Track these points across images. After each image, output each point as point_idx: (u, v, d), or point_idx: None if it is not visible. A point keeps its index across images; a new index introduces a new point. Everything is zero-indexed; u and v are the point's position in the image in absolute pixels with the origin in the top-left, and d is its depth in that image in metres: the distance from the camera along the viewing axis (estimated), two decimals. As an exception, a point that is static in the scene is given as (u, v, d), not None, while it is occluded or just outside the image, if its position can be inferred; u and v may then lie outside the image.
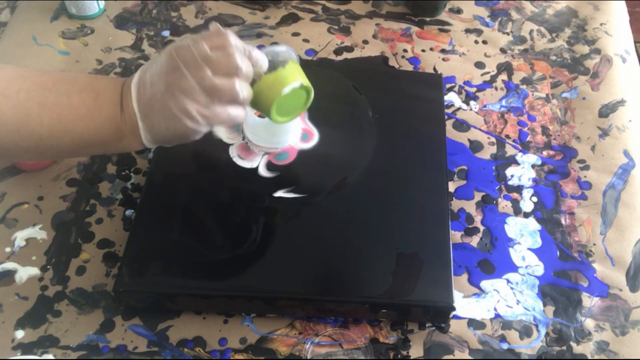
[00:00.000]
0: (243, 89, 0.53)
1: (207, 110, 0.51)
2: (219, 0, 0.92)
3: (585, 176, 0.77)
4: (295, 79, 0.58)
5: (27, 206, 0.69)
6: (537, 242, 0.70)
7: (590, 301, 0.66)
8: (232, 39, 0.52)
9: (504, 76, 0.86)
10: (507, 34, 0.92)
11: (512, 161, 0.77)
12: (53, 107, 0.51)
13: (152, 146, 0.55)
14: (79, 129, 0.52)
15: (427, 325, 0.63)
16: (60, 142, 0.53)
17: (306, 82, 0.59)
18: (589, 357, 0.63)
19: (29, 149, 0.53)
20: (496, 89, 0.85)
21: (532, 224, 0.72)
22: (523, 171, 0.76)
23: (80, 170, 0.72)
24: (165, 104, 0.51)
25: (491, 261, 0.68)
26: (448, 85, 0.84)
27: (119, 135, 0.53)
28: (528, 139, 0.80)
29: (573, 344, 0.63)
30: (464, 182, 0.75)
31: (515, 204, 0.73)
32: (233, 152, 0.68)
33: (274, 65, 0.57)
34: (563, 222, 0.72)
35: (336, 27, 0.90)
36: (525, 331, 0.64)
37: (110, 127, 0.53)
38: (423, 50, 0.88)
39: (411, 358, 0.61)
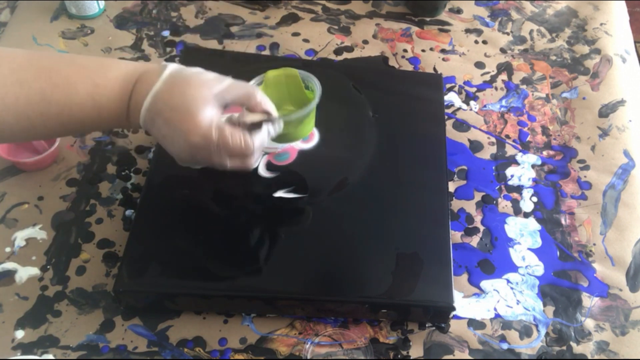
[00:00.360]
0: (255, 163, 0.57)
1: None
2: (219, 0, 0.92)
3: (585, 176, 0.77)
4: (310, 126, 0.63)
5: (27, 206, 0.69)
6: (537, 242, 0.70)
7: (590, 301, 0.66)
8: (251, 150, 0.54)
9: (504, 76, 0.86)
10: (507, 34, 0.92)
11: (512, 161, 0.77)
12: (55, 118, 0.53)
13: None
14: (83, 130, 0.59)
15: (427, 325, 0.63)
16: (64, 134, 0.62)
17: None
18: (589, 357, 0.63)
19: (36, 139, 0.63)
20: (496, 89, 0.85)
21: (532, 224, 0.72)
22: (523, 171, 0.76)
23: (80, 170, 0.72)
24: (182, 159, 0.55)
25: (491, 261, 0.68)
26: (448, 85, 0.84)
27: (123, 127, 0.64)
28: (528, 139, 0.80)
29: (573, 344, 0.63)
30: (464, 182, 0.75)
31: (515, 204, 0.73)
32: None
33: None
34: (563, 222, 0.72)
35: (336, 27, 0.90)
36: (525, 331, 0.64)
37: (115, 126, 0.59)
38: (423, 50, 0.88)
39: (411, 358, 0.61)
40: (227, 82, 0.54)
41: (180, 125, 0.51)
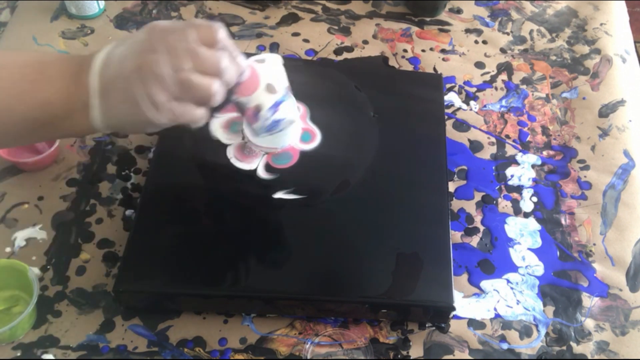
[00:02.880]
0: (219, 93, 0.48)
1: (176, 105, 0.46)
2: (219, 0, 0.92)
3: (585, 176, 0.77)
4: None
5: (27, 206, 0.69)
6: (537, 242, 0.70)
7: (590, 301, 0.66)
8: (224, 36, 0.48)
9: (504, 76, 0.86)
10: (507, 34, 0.92)
11: (512, 161, 0.77)
12: None
13: (103, 130, 0.49)
14: (22, 107, 0.47)
15: (427, 325, 0.63)
16: (3, 122, 0.48)
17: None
18: (589, 357, 0.63)
19: None
20: (496, 89, 0.85)
21: (532, 224, 0.72)
22: (523, 171, 0.76)
23: (80, 170, 0.72)
24: (132, 85, 0.45)
25: (491, 261, 0.68)
26: (448, 85, 0.84)
27: (69, 111, 0.47)
28: (528, 139, 0.80)
29: (573, 344, 0.63)
30: (464, 182, 0.75)
31: (515, 204, 0.73)
32: (231, 154, 0.68)
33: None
34: (563, 222, 0.72)
35: (336, 27, 0.90)
36: (525, 331, 0.64)
37: (59, 102, 0.47)
38: (423, 50, 0.88)
39: (411, 358, 0.61)
40: None
41: (137, 44, 0.46)
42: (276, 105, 0.54)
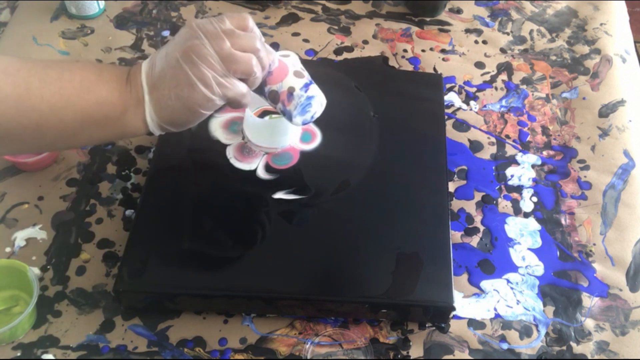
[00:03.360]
0: (259, 68, 0.54)
1: (223, 79, 0.52)
2: (219, 0, 0.92)
3: (585, 176, 0.77)
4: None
5: (27, 206, 0.69)
6: (537, 242, 0.70)
7: (590, 301, 0.66)
8: (253, 24, 0.54)
9: (504, 76, 0.86)
10: (507, 34, 0.92)
11: (512, 161, 0.77)
12: (54, 82, 0.51)
13: (155, 128, 0.54)
14: (81, 103, 0.52)
15: (427, 325, 0.63)
16: (61, 119, 0.52)
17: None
18: (589, 357, 0.63)
19: (29, 128, 0.51)
20: (496, 89, 0.85)
21: (532, 224, 0.72)
22: (523, 171, 0.76)
23: (80, 170, 0.72)
24: (180, 70, 0.51)
25: (491, 261, 0.68)
26: (448, 85, 0.84)
27: (123, 109, 0.53)
28: (528, 139, 0.80)
29: (573, 344, 0.63)
30: (464, 182, 0.75)
31: (515, 204, 0.73)
32: (230, 154, 0.68)
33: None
34: (563, 222, 0.72)
35: (336, 27, 0.90)
36: (525, 331, 0.64)
37: (114, 100, 0.52)
38: (423, 50, 0.88)
39: (411, 358, 0.61)
40: None
41: (180, 38, 0.52)
42: (306, 85, 0.59)
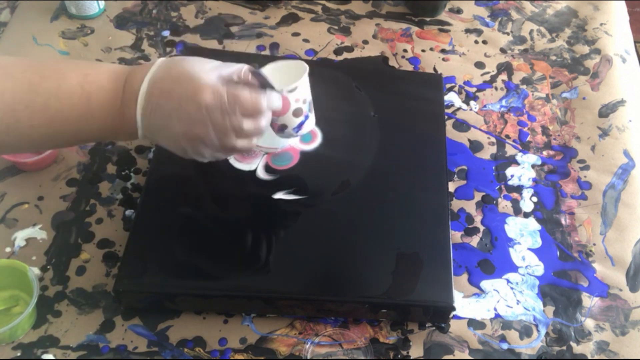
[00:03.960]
0: (255, 144, 0.56)
1: (219, 153, 0.55)
2: (219, 0, 0.92)
3: (585, 176, 0.77)
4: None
5: (27, 206, 0.69)
6: (537, 242, 0.70)
7: (590, 301, 0.66)
8: (265, 105, 0.53)
9: (504, 76, 0.86)
10: (507, 34, 0.92)
11: (512, 161, 0.77)
12: (42, 111, 0.50)
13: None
14: (71, 131, 0.53)
15: (427, 325, 0.63)
16: (53, 142, 0.54)
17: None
18: (589, 357, 0.63)
19: (22, 147, 0.54)
20: (496, 89, 0.85)
21: (532, 224, 0.72)
22: (523, 171, 0.76)
23: (80, 170, 0.72)
24: (181, 145, 0.53)
25: (491, 261, 0.68)
26: (448, 85, 0.84)
27: (115, 135, 0.55)
28: (528, 139, 0.80)
29: (573, 344, 0.63)
30: (464, 182, 0.75)
31: (515, 204, 0.73)
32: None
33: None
34: (563, 222, 0.72)
35: (336, 27, 0.90)
36: (525, 331, 0.64)
37: (105, 133, 0.54)
38: (423, 50, 0.88)
39: (411, 358, 0.61)
40: (220, 62, 0.54)
41: (186, 89, 0.50)
42: (300, 124, 0.61)
